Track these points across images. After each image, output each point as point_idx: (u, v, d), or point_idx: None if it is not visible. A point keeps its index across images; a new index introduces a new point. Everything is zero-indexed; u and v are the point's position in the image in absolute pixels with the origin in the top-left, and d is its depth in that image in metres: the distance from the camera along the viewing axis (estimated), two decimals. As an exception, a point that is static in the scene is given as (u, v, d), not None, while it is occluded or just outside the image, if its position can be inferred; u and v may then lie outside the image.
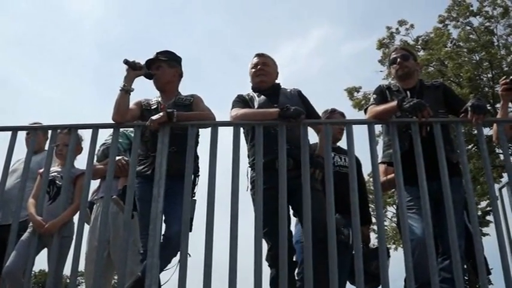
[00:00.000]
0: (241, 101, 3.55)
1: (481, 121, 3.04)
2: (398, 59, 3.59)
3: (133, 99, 3.55)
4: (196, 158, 3.50)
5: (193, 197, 3.39)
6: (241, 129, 3.26)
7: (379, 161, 3.42)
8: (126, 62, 3.34)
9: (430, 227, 2.81)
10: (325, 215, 2.83)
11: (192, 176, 3.36)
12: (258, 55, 3.78)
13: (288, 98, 3.56)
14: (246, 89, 3.72)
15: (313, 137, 3.48)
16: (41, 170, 3.47)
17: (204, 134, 3.31)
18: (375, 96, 3.50)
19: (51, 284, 3.06)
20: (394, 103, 3.17)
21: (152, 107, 3.55)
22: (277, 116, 3.11)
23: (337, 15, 44.10)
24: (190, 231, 3.22)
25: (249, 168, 3.46)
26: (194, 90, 3.67)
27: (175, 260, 3.09)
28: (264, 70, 3.69)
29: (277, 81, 3.77)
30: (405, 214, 2.90)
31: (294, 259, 3.25)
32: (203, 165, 3.42)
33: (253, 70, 3.73)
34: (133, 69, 3.36)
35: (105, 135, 4.17)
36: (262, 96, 3.59)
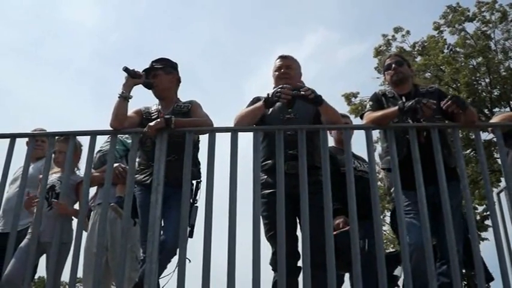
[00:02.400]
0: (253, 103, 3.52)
1: (451, 109, 3.06)
2: (393, 65, 3.62)
3: (134, 106, 3.58)
4: (198, 164, 3.50)
5: (195, 203, 3.40)
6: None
7: (378, 167, 3.44)
8: (126, 69, 3.35)
9: (428, 231, 2.82)
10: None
11: (194, 182, 3.38)
12: (282, 57, 3.68)
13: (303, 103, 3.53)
14: (244, 95, 3.69)
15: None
16: (41, 176, 3.47)
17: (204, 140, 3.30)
18: (371, 103, 3.52)
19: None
20: (394, 108, 3.19)
21: (152, 117, 3.54)
22: (264, 108, 3.15)
23: (332, 20, 44.15)
24: (191, 237, 3.23)
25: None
26: (192, 97, 3.68)
27: (174, 265, 3.09)
28: (288, 73, 3.59)
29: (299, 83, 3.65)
30: (403, 219, 2.90)
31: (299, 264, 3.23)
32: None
33: (277, 73, 3.61)
34: (133, 77, 3.37)
35: (102, 141, 4.19)
36: None
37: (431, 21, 18.63)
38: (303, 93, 3.10)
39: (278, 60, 3.68)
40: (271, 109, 3.46)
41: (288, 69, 3.62)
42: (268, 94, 3.15)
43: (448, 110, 3.08)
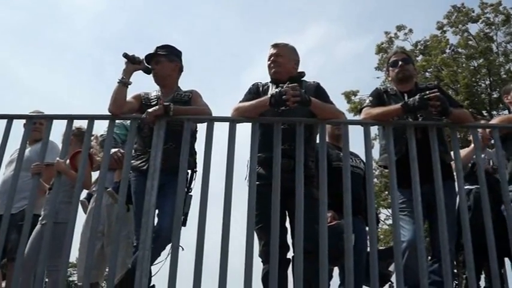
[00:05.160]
0: (251, 93, 3.46)
1: (432, 103, 3.01)
2: (400, 62, 3.60)
3: (134, 91, 3.58)
4: (194, 153, 3.50)
5: (190, 192, 3.40)
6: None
7: (376, 164, 3.44)
8: (125, 55, 3.35)
9: (421, 230, 2.83)
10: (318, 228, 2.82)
11: (190, 171, 3.38)
12: (272, 45, 3.61)
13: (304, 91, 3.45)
14: (242, 84, 3.67)
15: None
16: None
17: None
18: (371, 98, 3.49)
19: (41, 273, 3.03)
20: (397, 106, 3.16)
21: (152, 103, 3.53)
22: (269, 106, 3.08)
23: (334, 13, 43.77)
24: (184, 225, 3.24)
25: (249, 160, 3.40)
26: (191, 85, 3.68)
27: (167, 252, 3.10)
28: (276, 62, 3.52)
29: (300, 71, 3.61)
30: (397, 216, 2.90)
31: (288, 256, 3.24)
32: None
33: (268, 62, 3.58)
34: (133, 63, 3.37)
35: (101, 126, 4.19)
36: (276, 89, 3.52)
37: (434, 21, 18.69)
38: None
39: (270, 48, 3.62)
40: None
41: (277, 57, 3.54)
42: (273, 95, 3.07)
43: (430, 99, 3.03)
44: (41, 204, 4.09)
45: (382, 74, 17.84)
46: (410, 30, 18.83)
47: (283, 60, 3.55)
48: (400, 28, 18.89)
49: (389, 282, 4.12)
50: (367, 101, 3.50)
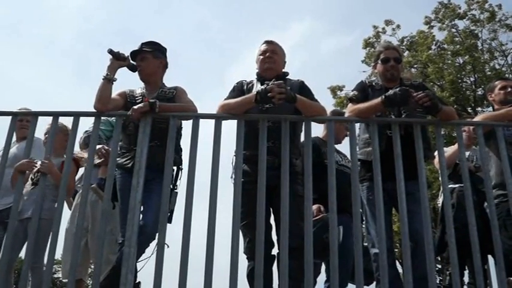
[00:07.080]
0: (236, 90, 3.49)
1: (421, 102, 3.03)
2: (392, 61, 3.54)
3: (119, 88, 3.56)
4: (180, 150, 3.49)
5: (175, 189, 3.39)
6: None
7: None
8: (110, 51, 3.33)
9: (406, 226, 2.85)
10: (303, 225, 2.84)
11: (175, 168, 3.38)
12: (268, 42, 3.66)
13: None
14: (227, 80, 3.66)
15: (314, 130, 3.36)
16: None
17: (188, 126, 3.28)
18: (356, 92, 3.46)
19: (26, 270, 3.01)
20: (377, 100, 3.16)
21: (137, 100, 3.50)
22: (254, 102, 3.09)
23: (319, 9, 43.78)
24: (170, 222, 3.23)
25: (235, 157, 3.34)
26: (176, 82, 3.66)
27: (151, 249, 3.10)
28: (272, 58, 3.57)
29: (284, 70, 3.65)
30: (382, 213, 2.92)
31: (273, 253, 3.26)
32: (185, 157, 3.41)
33: (261, 57, 3.59)
34: (117, 59, 3.35)
35: (86, 123, 4.15)
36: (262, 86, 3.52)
37: (420, 18, 18.83)
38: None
39: (263, 44, 3.65)
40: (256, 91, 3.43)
41: (272, 53, 3.59)
42: (258, 92, 3.09)
43: (419, 101, 3.04)
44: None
45: (368, 68, 17.90)
46: (398, 26, 18.94)
47: (278, 58, 3.61)
48: (388, 23, 18.98)
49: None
50: (351, 94, 3.50)
